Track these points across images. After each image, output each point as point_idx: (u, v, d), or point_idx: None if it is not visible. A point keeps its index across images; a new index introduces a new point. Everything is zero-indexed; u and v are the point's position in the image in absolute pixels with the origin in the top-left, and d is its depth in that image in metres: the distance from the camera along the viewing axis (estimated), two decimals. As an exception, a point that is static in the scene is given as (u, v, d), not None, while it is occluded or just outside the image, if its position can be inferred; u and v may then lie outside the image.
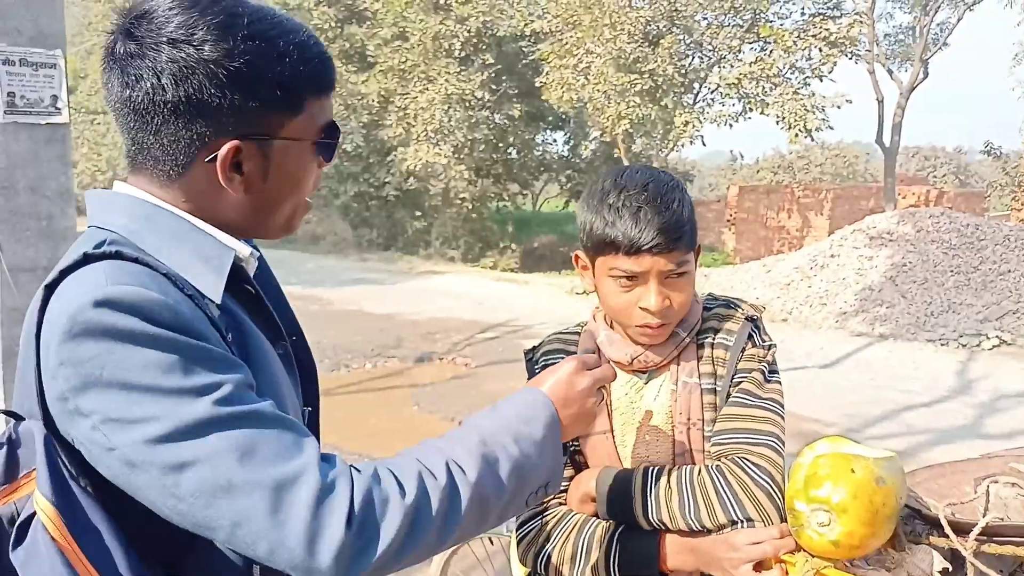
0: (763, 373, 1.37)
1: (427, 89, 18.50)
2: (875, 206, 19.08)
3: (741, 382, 1.37)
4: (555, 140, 24.64)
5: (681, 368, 1.39)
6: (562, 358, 1.46)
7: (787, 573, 1.21)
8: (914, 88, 19.48)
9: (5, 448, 0.89)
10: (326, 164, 1.07)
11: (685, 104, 15.64)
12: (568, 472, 1.42)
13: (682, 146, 15.80)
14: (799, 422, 6.38)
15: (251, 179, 0.98)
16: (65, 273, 0.90)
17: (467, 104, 18.80)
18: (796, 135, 13.70)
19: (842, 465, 1.12)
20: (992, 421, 6.72)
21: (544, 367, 1.47)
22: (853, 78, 18.27)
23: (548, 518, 1.39)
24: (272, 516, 0.82)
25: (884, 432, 6.37)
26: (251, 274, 1.06)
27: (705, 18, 15.41)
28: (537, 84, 16.68)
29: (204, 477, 0.82)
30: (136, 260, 0.90)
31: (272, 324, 1.06)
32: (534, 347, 1.53)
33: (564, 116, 20.98)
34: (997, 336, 9.57)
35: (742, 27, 15.18)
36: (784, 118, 13.74)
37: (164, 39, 0.92)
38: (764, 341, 1.40)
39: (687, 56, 15.64)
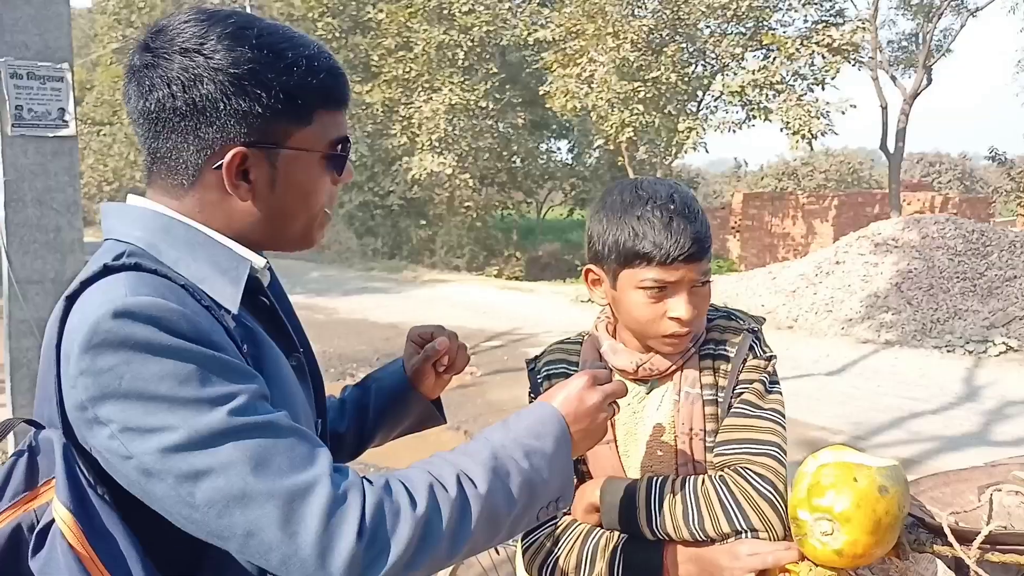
0: (764, 384, 1.38)
1: (431, 98, 18.57)
2: (880, 212, 19.05)
3: (743, 393, 1.38)
4: (559, 148, 24.70)
5: (684, 378, 1.40)
6: (563, 368, 1.48)
7: (791, 582, 1.21)
8: (918, 94, 19.49)
9: (26, 456, 0.91)
10: (340, 179, 1.07)
11: (689, 112, 15.67)
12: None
13: (686, 153, 15.82)
14: (805, 430, 6.36)
15: (258, 187, 0.99)
16: (85, 284, 0.91)
17: (471, 113, 18.86)
18: (798, 141, 13.70)
19: (845, 474, 1.13)
20: (999, 428, 6.70)
21: (546, 377, 1.49)
22: (856, 85, 18.28)
23: (553, 528, 1.40)
24: (285, 527, 0.83)
25: (890, 439, 6.35)
26: (265, 286, 1.07)
27: (708, 26, 15.44)
28: (541, 93, 16.73)
29: (218, 486, 0.83)
30: (154, 272, 0.92)
31: (285, 336, 1.07)
32: (536, 357, 1.54)
33: (568, 124, 21.05)
34: (1004, 342, 9.53)
35: (745, 35, 15.20)
36: (788, 124, 13.74)
37: (176, 49, 0.95)
38: (765, 352, 1.41)
39: (690, 64, 15.67)
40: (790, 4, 14.93)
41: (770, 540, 1.27)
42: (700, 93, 16.01)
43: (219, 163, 0.96)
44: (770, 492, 1.28)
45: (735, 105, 14.94)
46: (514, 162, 22.16)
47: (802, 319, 11.68)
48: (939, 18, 19.64)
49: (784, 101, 13.91)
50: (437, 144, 18.64)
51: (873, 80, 19.31)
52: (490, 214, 22.26)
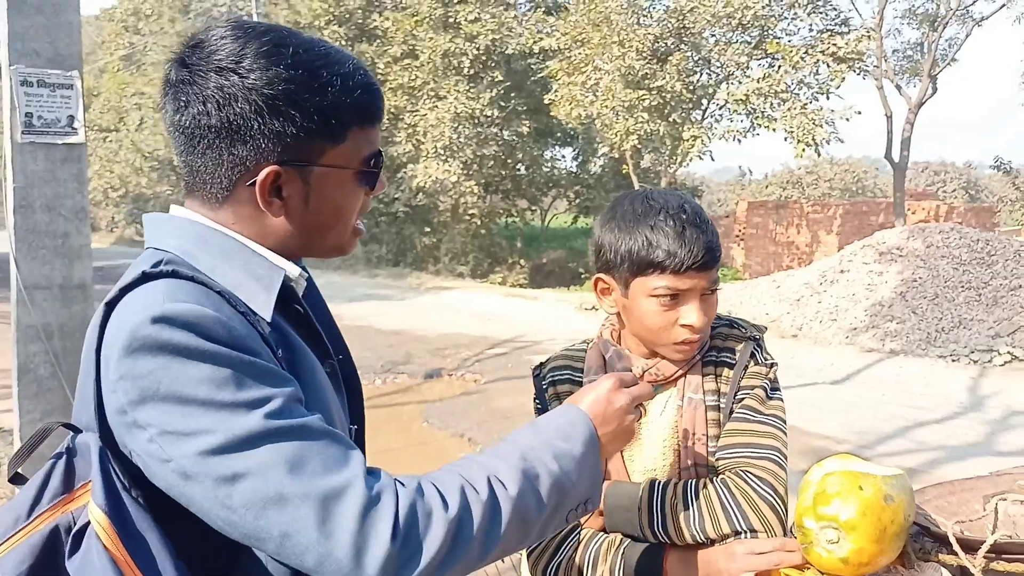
0: (765, 390, 1.41)
1: (436, 106, 18.63)
2: (885, 221, 19.04)
3: (744, 399, 1.40)
4: (564, 156, 24.78)
5: (687, 384, 1.43)
6: (569, 374, 1.50)
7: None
8: (923, 103, 19.50)
9: (64, 459, 0.92)
10: (373, 192, 1.09)
11: (693, 120, 15.69)
12: None
13: (690, 161, 15.84)
14: (810, 439, 6.36)
15: (291, 204, 1.01)
16: (125, 291, 0.93)
17: (476, 121, 18.91)
18: (804, 149, 13.70)
19: (851, 483, 1.13)
20: (1004, 438, 6.68)
21: (551, 383, 1.50)
22: (862, 94, 18.29)
23: (556, 532, 1.42)
24: (320, 527, 0.84)
25: (895, 449, 6.34)
26: (300, 294, 1.09)
27: (713, 35, 15.47)
28: (546, 101, 16.79)
29: (256, 488, 0.84)
30: (192, 279, 0.94)
31: (320, 342, 1.08)
32: (541, 363, 1.56)
33: (572, 132, 21.08)
34: (1008, 352, 9.51)
35: (750, 43, 15.23)
36: (792, 133, 13.75)
37: (212, 67, 0.96)
38: (766, 359, 1.44)
39: (695, 72, 15.70)
40: (795, 13, 14.96)
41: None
42: (705, 101, 16.05)
43: (252, 180, 0.98)
44: (770, 495, 1.31)
45: (740, 114, 14.95)
46: (519, 170, 22.20)
47: (806, 328, 11.67)
48: (944, 27, 19.67)
49: (788, 110, 13.92)
50: (442, 152, 18.69)
51: (878, 89, 19.33)
52: (494, 221, 22.28)
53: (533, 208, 24.55)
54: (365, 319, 12.86)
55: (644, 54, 14.49)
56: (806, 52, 14.05)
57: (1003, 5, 18.99)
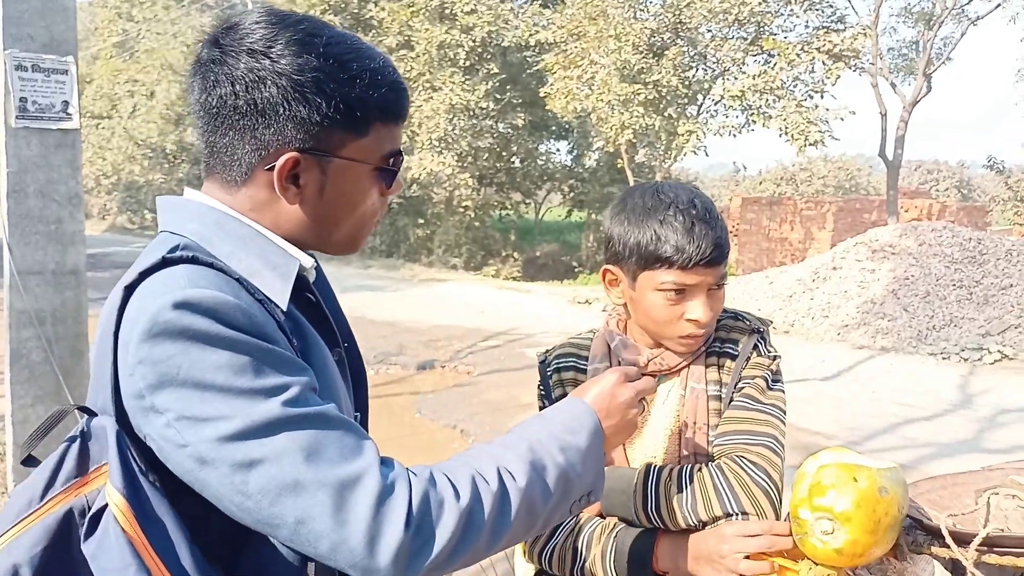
0: (766, 380, 1.41)
1: (432, 98, 18.58)
2: (877, 219, 19.09)
3: (744, 387, 1.41)
4: (558, 149, 24.76)
5: (691, 374, 1.44)
6: (573, 362, 1.51)
7: (790, 581, 1.22)
8: (917, 102, 19.52)
9: (78, 442, 0.92)
10: (388, 191, 1.09)
11: (688, 115, 15.70)
12: None
13: (685, 156, 15.85)
14: (800, 435, 6.39)
15: (307, 192, 1.01)
16: (144, 275, 0.93)
17: (471, 113, 18.87)
18: (801, 148, 13.73)
19: (846, 475, 1.14)
20: (993, 435, 6.72)
21: (556, 370, 1.52)
22: (856, 91, 18.34)
23: None
24: (335, 515, 0.85)
25: (885, 445, 6.37)
26: (311, 283, 1.09)
27: (709, 30, 15.47)
28: (541, 94, 16.74)
29: (272, 475, 0.84)
30: (211, 265, 0.94)
31: (329, 331, 1.09)
32: (547, 351, 1.58)
33: (568, 126, 21.06)
34: (999, 350, 9.57)
35: (746, 40, 15.23)
36: (787, 130, 13.77)
37: (244, 49, 0.96)
38: (770, 352, 1.44)
39: (691, 68, 15.69)
40: (791, 10, 14.95)
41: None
42: (700, 97, 16.05)
43: (272, 165, 0.98)
44: (764, 480, 1.31)
45: (735, 109, 14.98)
46: (513, 163, 22.18)
47: (798, 324, 11.71)
48: (940, 26, 19.69)
49: (784, 107, 13.94)
50: (437, 143, 18.65)
51: (873, 87, 19.34)
52: (488, 214, 22.27)
53: (527, 201, 24.54)
54: (358, 310, 12.84)
55: (640, 48, 14.47)
56: (802, 49, 14.07)
57: (998, 5, 19.01)
